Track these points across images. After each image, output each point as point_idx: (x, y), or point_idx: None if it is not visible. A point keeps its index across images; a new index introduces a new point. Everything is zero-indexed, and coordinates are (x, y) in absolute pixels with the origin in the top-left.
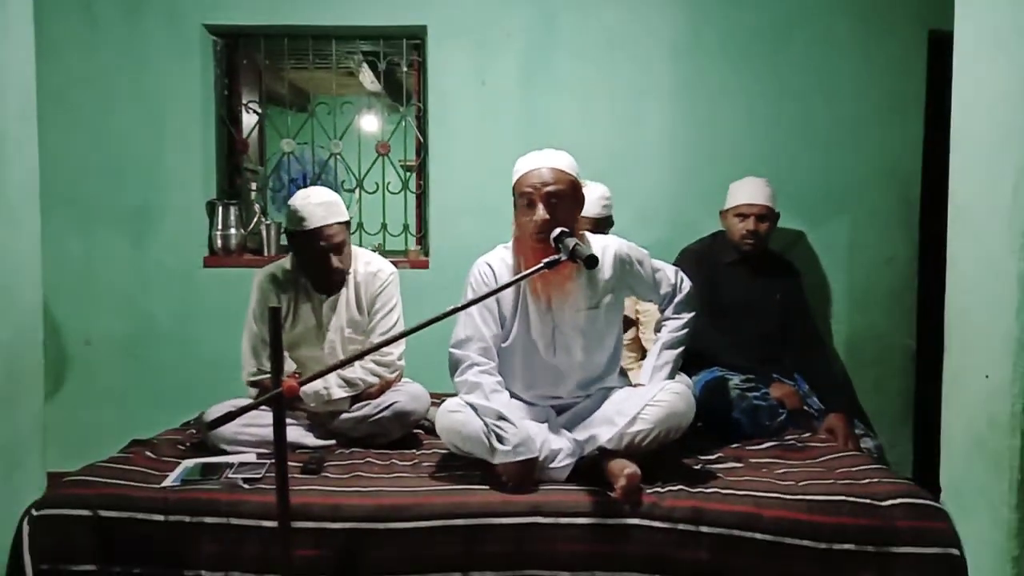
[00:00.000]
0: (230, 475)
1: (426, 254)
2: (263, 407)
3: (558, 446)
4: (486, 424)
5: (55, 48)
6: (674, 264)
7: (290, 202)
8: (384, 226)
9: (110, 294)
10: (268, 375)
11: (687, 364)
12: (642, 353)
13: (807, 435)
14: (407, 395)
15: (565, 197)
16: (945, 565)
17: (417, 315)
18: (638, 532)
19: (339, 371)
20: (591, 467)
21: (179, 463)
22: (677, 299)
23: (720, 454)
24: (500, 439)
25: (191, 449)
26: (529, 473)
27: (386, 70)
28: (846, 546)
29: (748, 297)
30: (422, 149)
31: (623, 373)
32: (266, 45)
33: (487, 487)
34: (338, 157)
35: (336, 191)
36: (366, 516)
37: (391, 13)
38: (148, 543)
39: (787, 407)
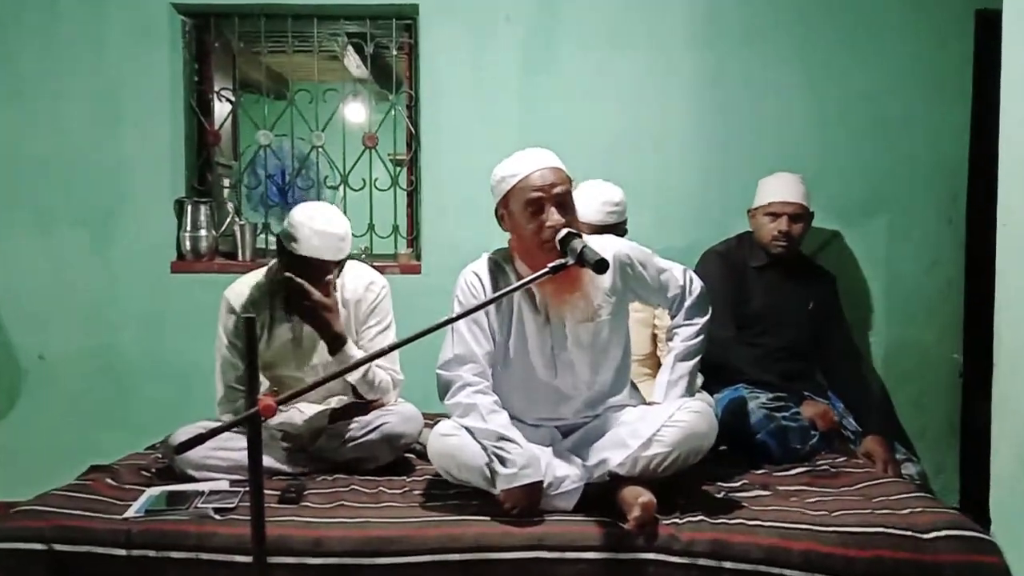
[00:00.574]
0: (200, 504)
1: (418, 258)
2: (236, 429)
3: (564, 472)
4: (485, 448)
5: (10, 38)
6: (696, 268)
7: (293, 213)
8: (371, 227)
9: (67, 303)
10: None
11: (708, 381)
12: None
13: (842, 460)
14: (397, 415)
15: (570, 199)
16: None
17: (408, 326)
18: (654, 568)
19: (366, 369)
20: (601, 495)
21: (143, 491)
22: (687, 302)
23: (745, 481)
24: (503, 461)
25: (157, 476)
26: (535, 498)
27: (373, 54)
28: None
29: (777, 305)
30: (413, 141)
31: (635, 388)
32: (240, 26)
33: (485, 518)
34: (320, 150)
35: (318, 188)
36: (351, 550)
37: None
38: None
39: (819, 428)
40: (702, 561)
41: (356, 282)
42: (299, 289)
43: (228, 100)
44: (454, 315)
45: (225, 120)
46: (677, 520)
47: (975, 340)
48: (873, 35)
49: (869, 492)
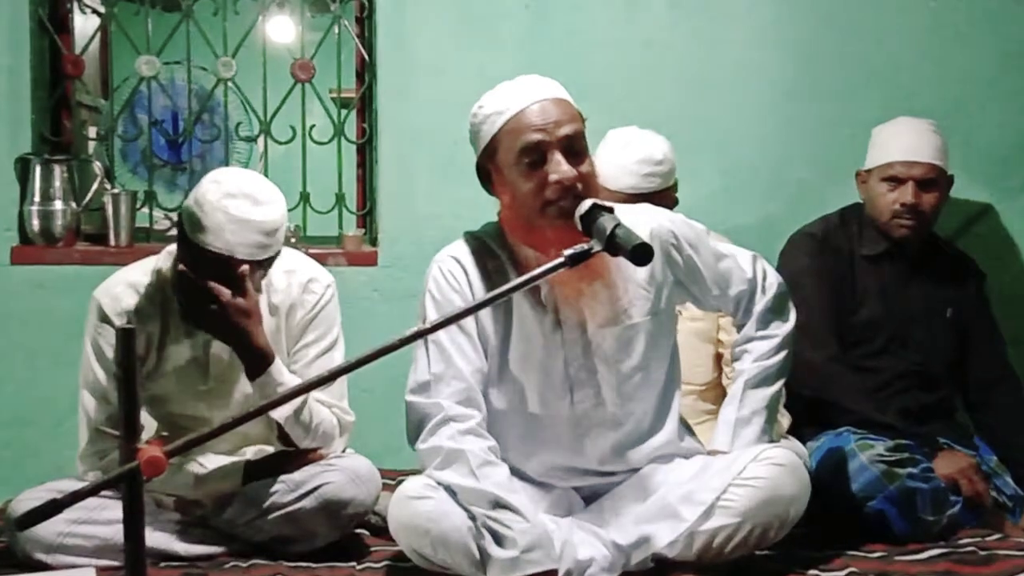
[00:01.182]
0: None
1: (373, 243)
2: (106, 492)
3: (588, 554)
4: (475, 518)
5: None
6: (778, 259)
7: (201, 188)
8: (305, 197)
9: None
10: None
11: (799, 421)
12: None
13: (995, 538)
14: (344, 473)
15: (583, 144)
16: None
17: (360, 341)
18: None
19: (300, 404)
20: None
21: None
22: (759, 305)
23: (852, 568)
24: (500, 540)
25: None
26: None
27: None
28: None
29: (901, 312)
30: (367, 72)
31: (689, 430)
32: None
33: None
34: (230, 85)
35: (226, 140)
36: None
37: None
38: None
39: (963, 492)
40: None
41: (289, 280)
42: (202, 289)
43: (95, 11)
44: (426, 325)
45: (90, 41)
46: None
47: None
48: None
49: None
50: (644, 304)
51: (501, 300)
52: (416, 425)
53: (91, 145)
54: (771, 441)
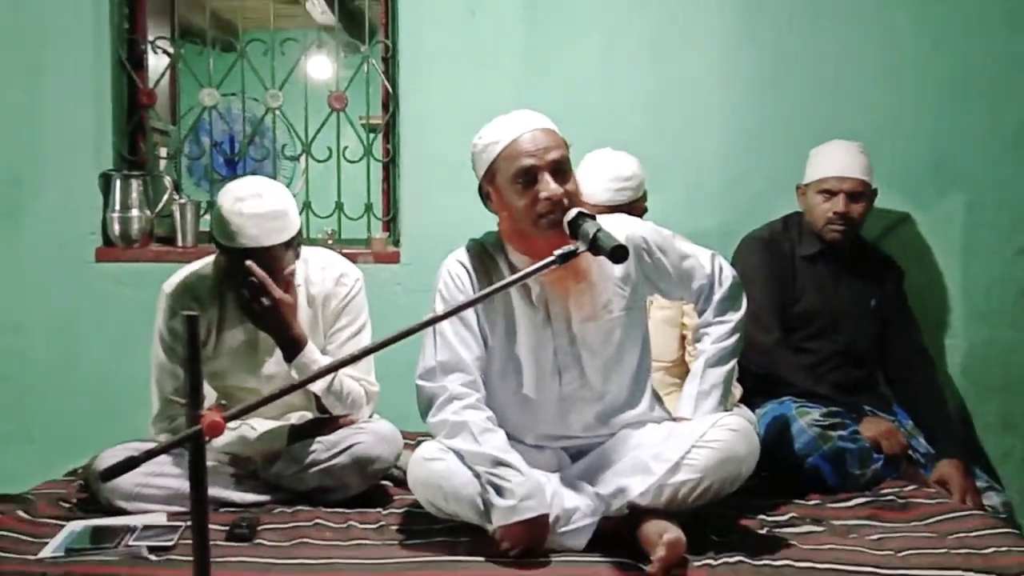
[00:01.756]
0: (131, 542)
1: (396, 244)
2: (174, 451)
3: (574, 503)
4: (478, 475)
5: None
6: (733, 258)
7: (218, 201)
8: (339, 206)
9: None
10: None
11: (749, 393)
12: None
13: (910, 488)
14: (371, 435)
15: (568, 165)
16: None
17: (385, 326)
18: None
19: (332, 378)
20: (619, 531)
21: (63, 526)
22: (717, 294)
23: (793, 514)
24: (500, 491)
25: (78, 507)
26: (540, 536)
27: None
28: None
29: (833, 303)
30: (391, 102)
31: (659, 401)
32: None
33: (478, 559)
34: (277, 113)
35: (274, 159)
36: None
37: None
38: None
39: (884, 451)
40: None
41: (324, 274)
42: (258, 285)
43: (165, 52)
44: (437, 314)
45: (161, 76)
46: (710, 562)
47: None
48: None
49: (944, 528)
50: (621, 301)
51: (496, 299)
52: (426, 404)
53: (162, 163)
54: (726, 410)
